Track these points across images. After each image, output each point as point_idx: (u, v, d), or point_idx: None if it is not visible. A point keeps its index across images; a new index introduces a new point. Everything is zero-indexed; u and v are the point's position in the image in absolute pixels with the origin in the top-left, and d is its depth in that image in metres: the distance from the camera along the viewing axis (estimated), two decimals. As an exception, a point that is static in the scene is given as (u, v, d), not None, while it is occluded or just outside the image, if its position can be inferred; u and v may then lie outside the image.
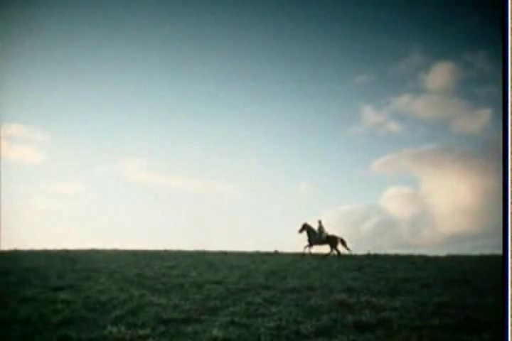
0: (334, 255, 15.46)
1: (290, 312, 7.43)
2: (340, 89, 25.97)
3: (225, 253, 18.79)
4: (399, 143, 26.56)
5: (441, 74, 24.11)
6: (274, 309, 7.68)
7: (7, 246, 18.00)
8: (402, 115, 26.59)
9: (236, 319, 6.96)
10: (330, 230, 15.40)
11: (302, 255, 15.52)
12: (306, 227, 15.60)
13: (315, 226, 15.90)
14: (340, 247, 15.49)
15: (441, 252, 17.41)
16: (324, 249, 16.03)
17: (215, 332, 6.20)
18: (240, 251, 19.89)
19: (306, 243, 15.84)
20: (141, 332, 6.27)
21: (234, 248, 20.54)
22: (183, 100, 26.69)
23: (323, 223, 15.57)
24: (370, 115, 26.44)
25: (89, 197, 26.20)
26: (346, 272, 12.56)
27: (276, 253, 19.46)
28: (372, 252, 17.89)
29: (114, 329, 6.30)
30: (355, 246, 16.72)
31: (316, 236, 15.55)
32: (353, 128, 26.82)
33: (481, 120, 24.24)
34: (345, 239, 15.30)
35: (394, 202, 25.03)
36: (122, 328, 6.38)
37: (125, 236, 25.66)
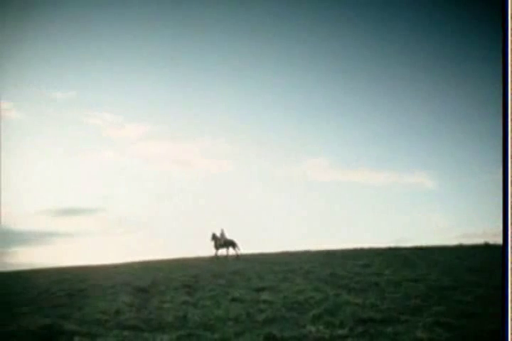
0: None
1: (512, 312, 6.20)
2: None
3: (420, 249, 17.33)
4: None
5: None
6: (490, 309, 6.55)
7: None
8: None
9: (443, 319, 6.18)
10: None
11: (216, 258, 18.19)
12: (214, 236, 18.48)
13: (226, 233, 18.69)
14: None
15: None
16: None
17: (419, 333, 5.62)
18: (439, 245, 18.04)
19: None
20: (339, 331, 6.16)
21: (430, 242, 18.82)
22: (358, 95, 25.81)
23: (225, 230, 18.61)
24: None
25: (276, 199, 27.71)
26: None
27: (486, 246, 16.81)
28: None
29: (313, 328, 6.37)
30: None
31: (218, 241, 18.36)
32: None
33: None
34: (237, 242, 18.28)
35: None
36: (321, 327, 6.39)
37: (315, 237, 26.27)
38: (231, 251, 18.30)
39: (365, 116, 25.95)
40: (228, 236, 18.56)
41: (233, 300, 9.04)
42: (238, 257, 17.75)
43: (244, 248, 18.62)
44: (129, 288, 10.74)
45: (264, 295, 9.16)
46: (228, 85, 25.61)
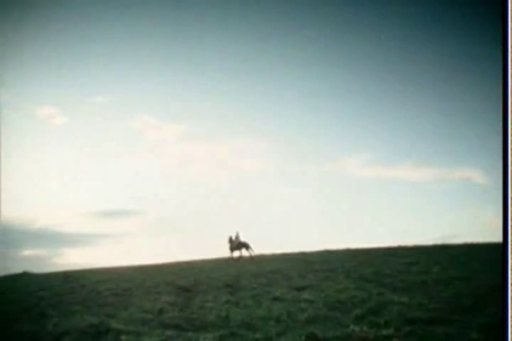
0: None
1: None
2: None
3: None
4: None
5: None
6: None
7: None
8: None
9: (498, 320, 5.79)
10: None
11: (231, 259, 18.85)
12: (230, 239, 19.12)
13: (240, 236, 19.33)
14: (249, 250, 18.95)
15: None
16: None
17: (473, 334, 5.30)
18: (491, 242, 17.08)
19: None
20: (384, 331, 5.94)
21: (481, 239, 17.82)
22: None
23: (240, 233, 19.27)
24: None
25: (315, 197, 27.34)
26: None
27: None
28: None
29: (357, 328, 6.18)
30: None
31: (232, 244, 18.96)
32: None
33: None
34: (250, 244, 18.81)
35: None
36: (365, 327, 6.19)
37: (355, 235, 25.69)
38: (245, 253, 18.80)
39: (412, 111, 25.09)
40: (242, 238, 19.10)
41: (274, 299, 8.96)
42: (252, 259, 18.14)
43: (284, 247, 18.73)
44: (172, 288, 10.92)
45: (305, 294, 9.02)
46: (263, 85, 25.61)
